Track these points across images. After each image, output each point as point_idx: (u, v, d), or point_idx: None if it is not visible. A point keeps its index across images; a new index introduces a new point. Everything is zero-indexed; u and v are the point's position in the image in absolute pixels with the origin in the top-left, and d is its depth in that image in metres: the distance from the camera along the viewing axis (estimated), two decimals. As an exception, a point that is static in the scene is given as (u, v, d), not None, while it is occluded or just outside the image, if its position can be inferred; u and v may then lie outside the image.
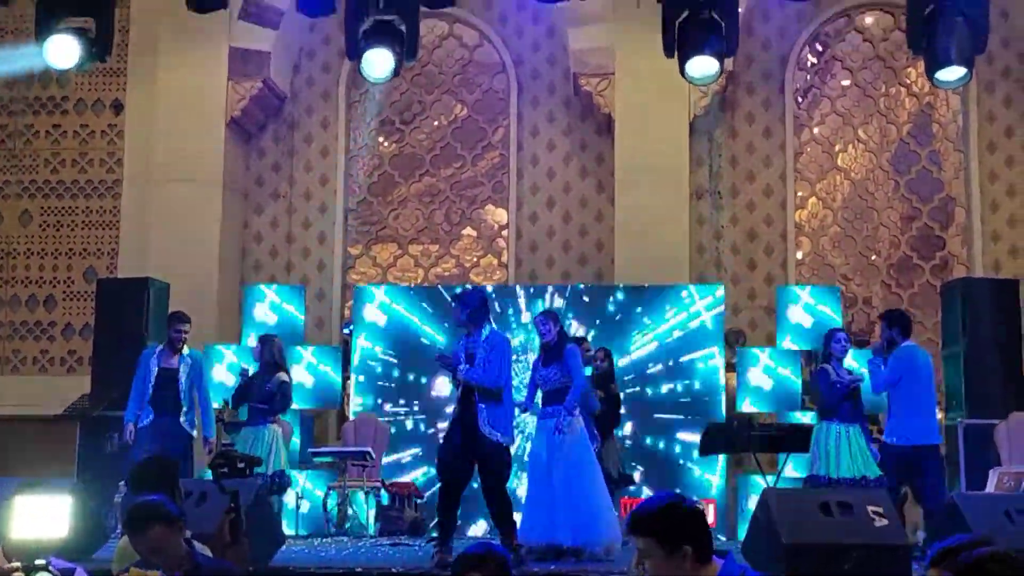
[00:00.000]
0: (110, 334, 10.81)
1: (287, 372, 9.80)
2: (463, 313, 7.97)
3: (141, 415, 9.26)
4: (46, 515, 3.55)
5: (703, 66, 8.69)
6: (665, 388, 11.43)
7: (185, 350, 9.45)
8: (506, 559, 3.43)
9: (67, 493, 4.37)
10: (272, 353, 9.71)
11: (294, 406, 10.68)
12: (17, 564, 3.50)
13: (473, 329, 7.96)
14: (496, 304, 11.59)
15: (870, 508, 7.01)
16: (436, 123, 13.84)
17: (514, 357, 9.36)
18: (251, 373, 9.69)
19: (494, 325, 8.21)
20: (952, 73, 8.55)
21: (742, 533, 9.35)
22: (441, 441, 8.64)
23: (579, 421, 8.26)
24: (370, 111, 13.61)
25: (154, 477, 5.16)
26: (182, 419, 9.28)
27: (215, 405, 9.91)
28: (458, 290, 11.78)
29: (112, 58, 11.38)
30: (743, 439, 10.12)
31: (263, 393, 9.54)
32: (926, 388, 8.69)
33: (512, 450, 8.15)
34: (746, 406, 11.48)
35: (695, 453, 10.77)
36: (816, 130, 13.29)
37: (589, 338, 10.79)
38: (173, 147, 12.53)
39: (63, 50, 8.68)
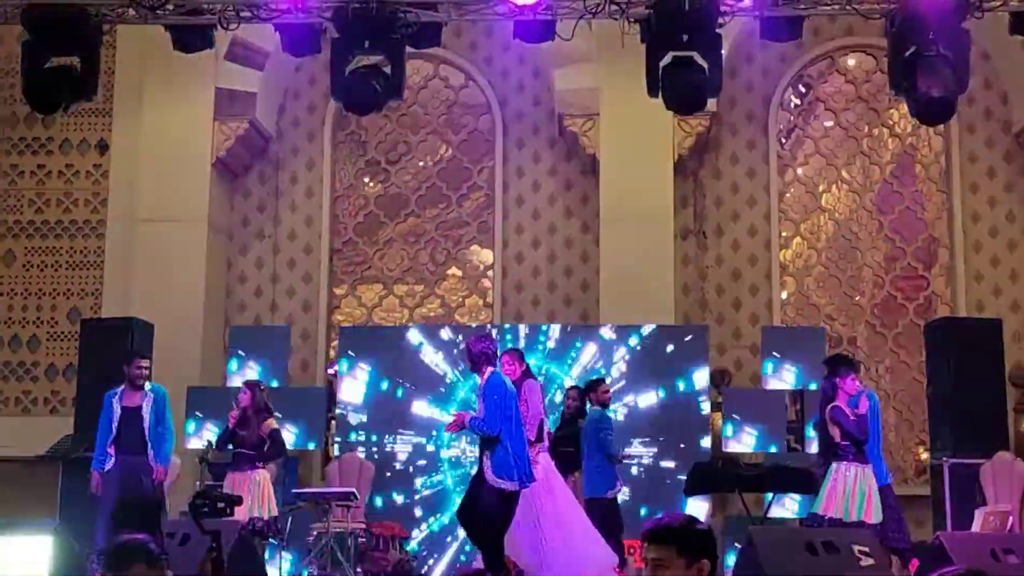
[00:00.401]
0: (94, 375, 10.72)
1: (273, 418, 9.73)
2: (466, 362, 8.08)
3: (105, 459, 9.05)
4: (26, 556, 3.51)
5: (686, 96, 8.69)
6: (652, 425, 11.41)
7: (147, 386, 9.33)
8: None
9: (48, 534, 4.33)
10: (261, 399, 9.65)
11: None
12: None
13: (479, 376, 8.07)
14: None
15: (856, 548, 7.01)
16: (421, 163, 13.88)
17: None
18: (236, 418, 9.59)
19: (497, 368, 8.16)
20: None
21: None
22: None
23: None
24: (355, 152, 13.66)
25: (136, 516, 5.15)
26: (149, 457, 9.15)
27: (199, 445, 9.83)
28: (444, 330, 11.84)
29: (98, 98, 11.42)
30: (729, 478, 10.09)
31: (255, 439, 9.47)
32: (876, 431, 8.70)
33: None
34: (732, 446, 11.46)
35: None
36: (800, 170, 13.38)
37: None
38: (158, 187, 12.52)
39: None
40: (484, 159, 13.64)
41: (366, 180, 13.86)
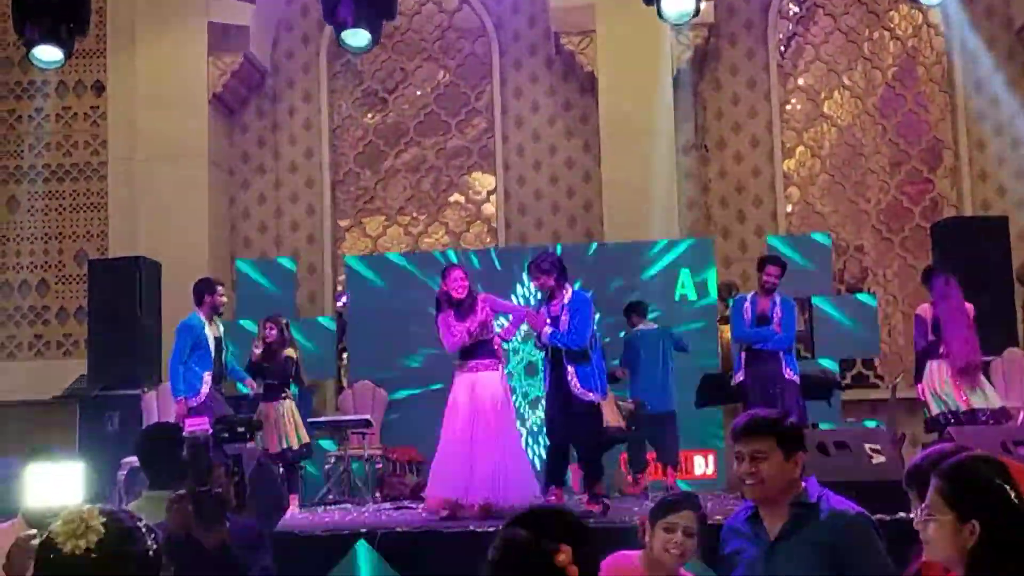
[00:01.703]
0: (104, 315, 10.82)
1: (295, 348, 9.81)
2: (551, 278, 8.03)
3: (198, 389, 8.89)
4: (60, 483, 3.55)
5: (679, 4, 8.55)
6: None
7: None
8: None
9: (78, 461, 4.36)
10: (288, 334, 9.74)
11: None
12: (35, 532, 3.50)
13: (556, 292, 8.05)
14: (499, 265, 11.60)
15: (867, 446, 7.05)
16: (419, 91, 13.80)
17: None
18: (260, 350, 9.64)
19: (575, 286, 8.33)
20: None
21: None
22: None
23: None
24: (352, 82, 13.58)
25: (161, 444, 5.18)
26: (239, 385, 9.42)
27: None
28: (453, 257, 11.83)
29: (91, 39, 11.36)
30: (738, 389, 10.14)
31: (284, 370, 9.56)
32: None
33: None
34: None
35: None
36: (800, 79, 13.28)
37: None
38: (156, 126, 12.47)
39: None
40: (482, 83, 13.55)
41: (364, 110, 13.79)
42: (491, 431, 7.87)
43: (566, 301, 8.03)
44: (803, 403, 9.10)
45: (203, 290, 9.19)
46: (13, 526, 4.25)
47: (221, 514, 4.23)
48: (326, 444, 11.02)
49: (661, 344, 10.08)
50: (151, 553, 2.16)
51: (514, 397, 11.10)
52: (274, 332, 9.62)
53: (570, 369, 7.89)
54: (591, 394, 7.88)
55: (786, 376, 9.03)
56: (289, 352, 9.62)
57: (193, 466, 4.43)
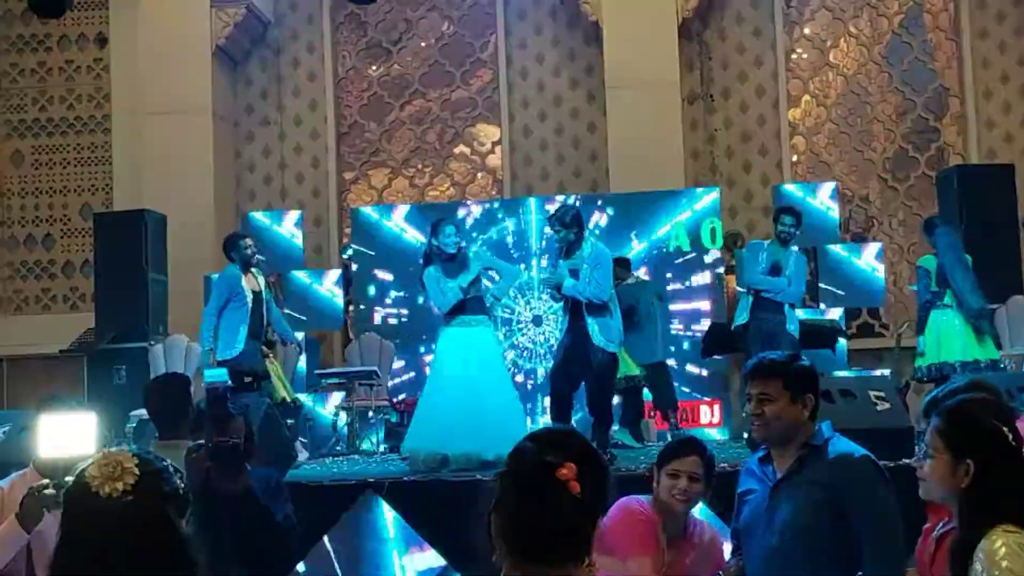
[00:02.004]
0: (110, 268, 10.85)
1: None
2: (572, 232, 8.12)
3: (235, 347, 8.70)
4: (72, 433, 3.57)
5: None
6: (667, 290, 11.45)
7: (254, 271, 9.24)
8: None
9: (91, 411, 4.39)
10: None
11: (299, 334, 10.81)
12: (47, 481, 3.54)
13: (575, 245, 8.15)
14: (500, 214, 11.60)
15: (872, 393, 7.10)
16: (424, 43, 13.72)
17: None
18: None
19: (592, 239, 8.42)
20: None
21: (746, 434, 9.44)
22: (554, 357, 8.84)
23: None
24: (356, 33, 13.50)
25: (170, 395, 5.23)
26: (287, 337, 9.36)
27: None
28: (458, 209, 11.83)
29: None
30: (744, 338, 10.17)
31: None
32: None
33: None
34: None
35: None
36: (806, 27, 13.18)
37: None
38: (160, 79, 12.40)
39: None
40: (486, 33, 13.47)
41: (369, 62, 13.73)
42: (482, 386, 7.88)
43: (586, 254, 8.15)
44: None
45: (227, 247, 9.16)
46: (25, 476, 4.29)
47: (242, 464, 4.30)
48: (333, 396, 11.09)
49: (645, 297, 10.04)
50: (182, 492, 2.20)
51: (515, 351, 11.21)
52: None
53: (590, 320, 8.00)
54: (610, 345, 8.03)
55: (788, 331, 9.05)
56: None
57: (211, 417, 4.49)
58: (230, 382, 5.02)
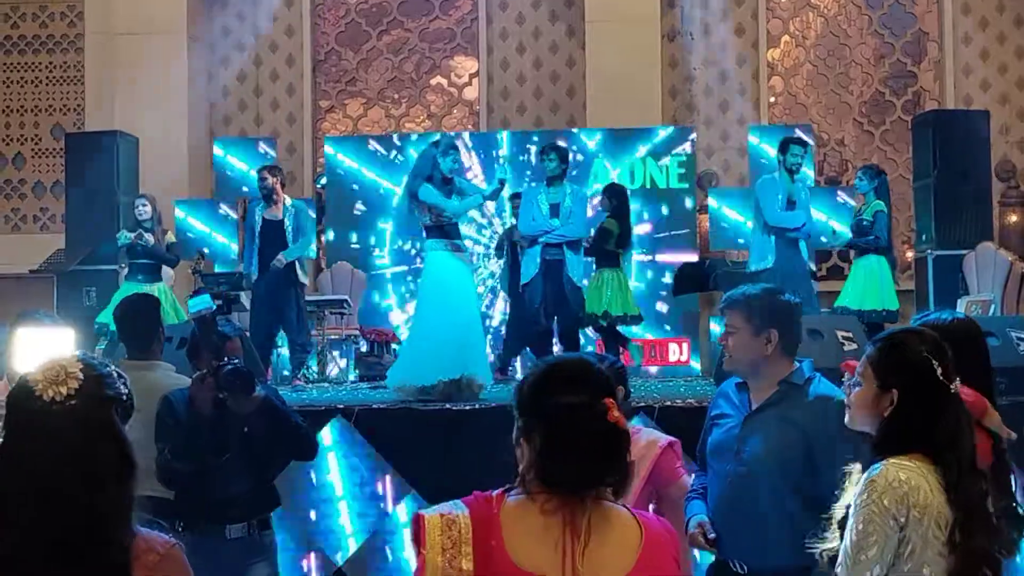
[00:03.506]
0: (81, 190, 10.74)
1: None
2: (560, 167, 8.35)
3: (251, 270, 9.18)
4: (49, 347, 3.55)
5: None
6: (639, 230, 11.46)
7: (288, 200, 9.36)
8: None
9: (69, 326, 4.36)
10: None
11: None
12: None
13: (560, 180, 8.41)
14: (471, 153, 11.57)
15: (839, 333, 7.15)
16: (403, -30, 13.55)
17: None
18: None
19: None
20: None
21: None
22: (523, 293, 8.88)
23: None
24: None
25: (139, 315, 5.21)
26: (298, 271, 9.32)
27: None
28: (435, 138, 11.76)
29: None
30: (714, 277, 10.25)
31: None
32: None
33: None
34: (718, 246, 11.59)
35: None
36: (788, -34, 13.11)
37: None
38: (134, -1, 12.25)
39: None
40: (466, -37, 13.33)
41: (346, -12, 13.56)
42: (467, 312, 7.91)
43: (568, 192, 8.39)
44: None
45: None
46: None
47: (252, 382, 4.36)
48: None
49: None
50: (125, 398, 2.20)
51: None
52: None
53: (569, 255, 8.10)
54: (585, 280, 8.25)
55: (809, 267, 9.04)
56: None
57: (207, 344, 4.51)
58: (213, 306, 4.99)
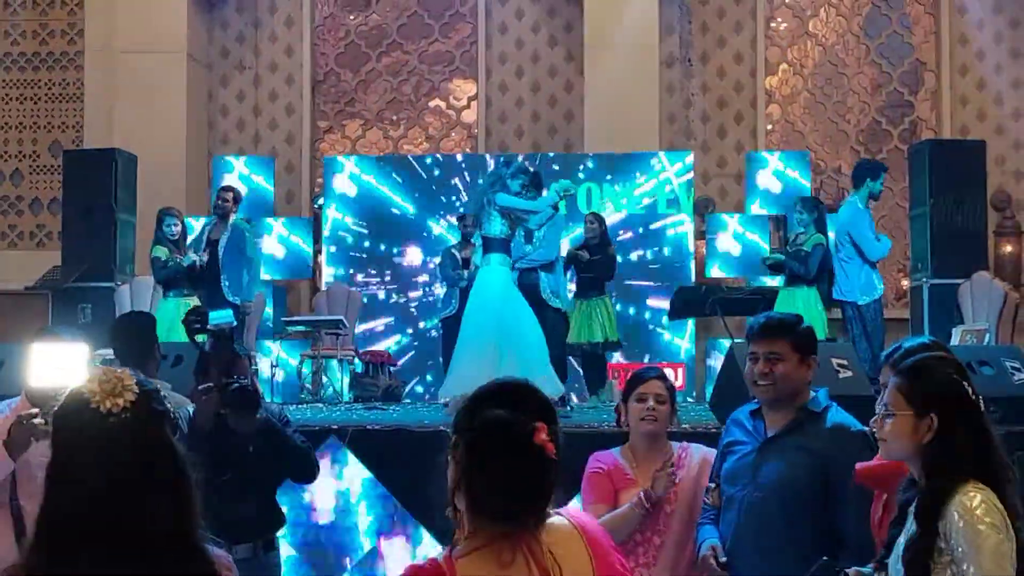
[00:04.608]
0: (78, 207, 10.71)
1: None
2: (531, 190, 8.16)
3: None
4: (64, 363, 3.53)
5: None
6: (635, 255, 11.51)
7: (232, 218, 9.46)
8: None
9: (83, 342, 4.34)
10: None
11: (267, 277, 10.80)
12: (36, 410, 3.52)
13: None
14: (466, 173, 11.62)
15: (834, 361, 7.15)
16: (403, -7, 13.61)
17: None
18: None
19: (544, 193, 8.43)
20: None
21: (710, 395, 9.51)
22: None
23: None
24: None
25: (136, 333, 5.20)
26: (224, 289, 9.31)
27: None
28: (431, 162, 11.83)
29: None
30: (711, 303, 10.24)
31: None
32: None
33: None
34: (715, 272, 11.61)
35: (664, 319, 10.92)
36: (787, -5, 13.18)
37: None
38: (135, 17, 12.28)
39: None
40: (466, -15, 13.39)
41: (347, 10, 13.60)
42: (514, 326, 7.83)
43: (542, 212, 8.15)
44: None
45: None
46: (13, 407, 4.24)
47: (256, 403, 4.34)
48: (300, 344, 11.10)
49: None
50: (172, 415, 2.19)
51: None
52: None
53: (542, 274, 8.22)
54: (557, 300, 8.25)
55: None
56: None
57: (217, 359, 4.49)
58: (235, 322, 4.98)
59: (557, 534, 2.19)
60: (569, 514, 2.27)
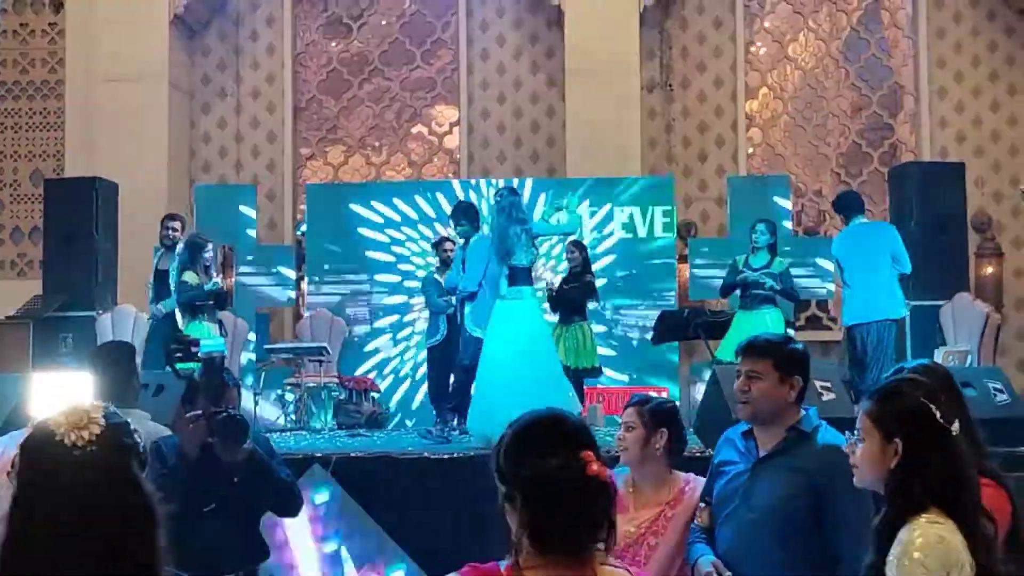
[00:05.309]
0: (59, 235, 10.66)
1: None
2: (468, 226, 8.46)
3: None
4: (69, 392, 3.50)
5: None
6: (620, 281, 11.51)
7: (179, 248, 9.44)
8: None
9: (89, 371, 4.31)
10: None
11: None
12: None
13: (469, 236, 8.49)
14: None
15: (818, 383, 7.15)
16: (384, 20, 13.65)
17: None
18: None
19: (484, 229, 8.57)
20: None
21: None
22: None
23: None
24: (316, 7, 13.38)
25: (116, 363, 5.17)
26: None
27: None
28: (414, 188, 11.83)
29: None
30: (695, 326, 10.26)
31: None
32: None
33: None
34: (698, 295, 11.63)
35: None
36: (767, 20, 13.27)
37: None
38: (116, 45, 12.27)
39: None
40: (447, 14, 13.43)
41: (329, 38, 13.63)
42: (532, 360, 7.82)
43: (471, 246, 8.46)
44: None
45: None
46: (19, 440, 4.21)
47: (243, 433, 4.32)
48: (283, 371, 11.05)
49: None
50: (141, 448, 2.17)
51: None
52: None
53: (466, 304, 8.35)
54: (478, 329, 8.16)
55: None
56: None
57: (207, 387, 4.47)
58: (225, 351, 4.96)
59: None
60: (627, 565, 2.28)
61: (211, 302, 9.13)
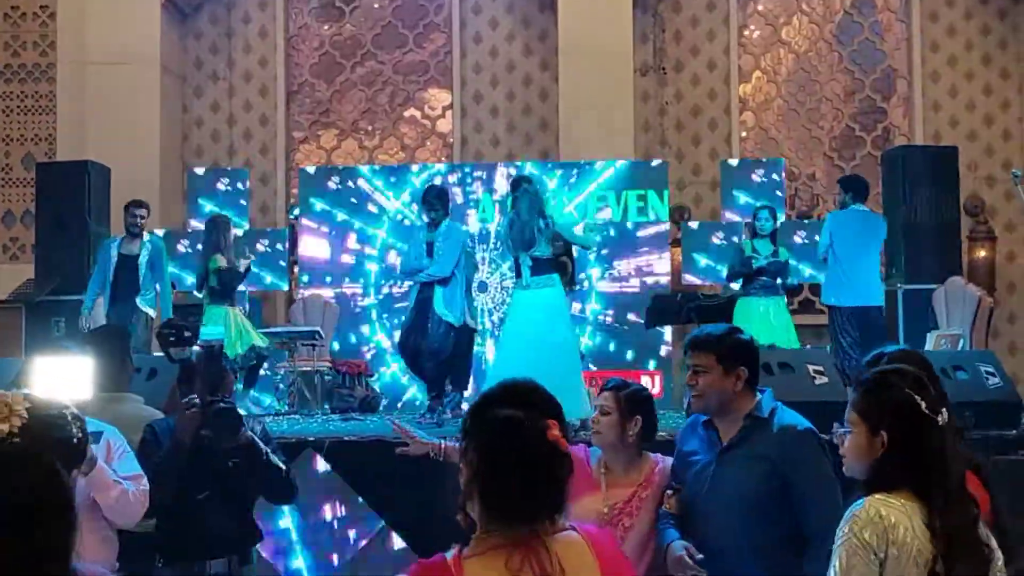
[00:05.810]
0: (51, 219, 10.66)
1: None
2: (441, 211, 8.49)
3: (101, 302, 9.34)
4: (69, 376, 3.48)
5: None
6: (613, 263, 11.51)
7: (146, 236, 9.54)
8: None
9: (89, 355, 4.31)
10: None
11: (242, 288, 10.71)
12: None
13: (440, 221, 8.51)
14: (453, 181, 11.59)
15: (811, 367, 7.18)
16: (377, 4, 13.60)
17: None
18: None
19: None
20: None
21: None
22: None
23: None
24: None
25: (109, 347, 5.17)
26: (139, 300, 9.33)
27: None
28: (408, 171, 11.80)
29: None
30: (687, 310, 10.27)
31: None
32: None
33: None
34: (691, 279, 11.64)
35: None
36: (760, 3, 13.24)
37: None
38: (107, 28, 12.20)
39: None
40: (440, -4, 13.40)
41: (321, 21, 13.58)
42: (547, 347, 7.76)
43: (443, 230, 8.53)
44: None
45: None
46: None
47: (240, 420, 4.35)
48: (276, 355, 11.03)
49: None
50: (75, 441, 2.15)
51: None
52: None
53: (438, 289, 8.40)
54: (450, 316, 8.32)
55: None
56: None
57: (205, 375, 4.49)
58: (223, 338, 4.99)
59: (567, 546, 2.19)
60: (582, 528, 2.27)
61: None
